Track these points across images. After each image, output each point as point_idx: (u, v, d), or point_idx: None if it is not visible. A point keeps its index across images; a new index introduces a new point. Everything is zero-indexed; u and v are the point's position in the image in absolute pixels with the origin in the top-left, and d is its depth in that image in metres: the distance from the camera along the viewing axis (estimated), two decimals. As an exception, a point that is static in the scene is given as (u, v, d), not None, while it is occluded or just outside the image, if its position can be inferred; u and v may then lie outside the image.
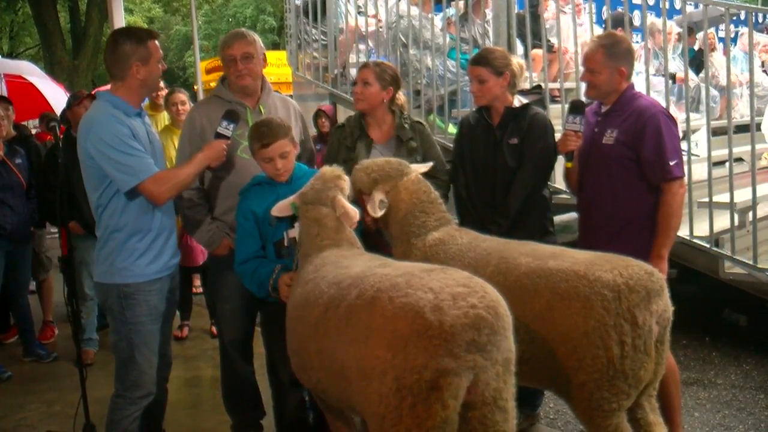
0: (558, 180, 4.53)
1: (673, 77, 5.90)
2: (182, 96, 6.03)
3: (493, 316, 2.22)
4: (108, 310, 3.26)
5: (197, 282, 6.73)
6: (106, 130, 3.03)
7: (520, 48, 5.77)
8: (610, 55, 3.49)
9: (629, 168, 3.49)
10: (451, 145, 4.40)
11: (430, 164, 3.54)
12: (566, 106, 5.08)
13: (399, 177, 3.32)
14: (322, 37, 7.01)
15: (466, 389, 2.20)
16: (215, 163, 3.33)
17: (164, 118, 6.77)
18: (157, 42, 3.21)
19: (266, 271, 3.26)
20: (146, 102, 6.56)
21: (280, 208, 3.19)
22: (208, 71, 18.98)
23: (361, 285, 2.45)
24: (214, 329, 5.89)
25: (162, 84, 6.37)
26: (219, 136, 3.31)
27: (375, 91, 3.75)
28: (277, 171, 3.31)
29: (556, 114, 5.21)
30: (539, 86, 5.08)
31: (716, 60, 7.20)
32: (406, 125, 3.84)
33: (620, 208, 3.52)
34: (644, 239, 3.45)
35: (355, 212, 3.09)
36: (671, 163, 3.42)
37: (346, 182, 3.17)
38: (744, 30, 7.83)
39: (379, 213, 3.26)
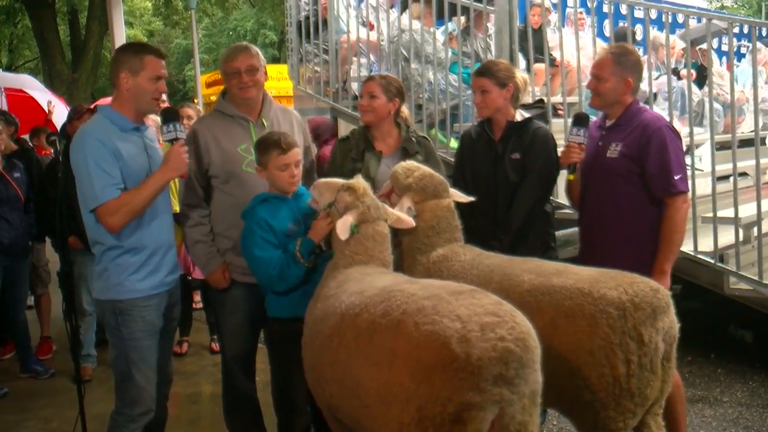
0: (560, 195, 4.51)
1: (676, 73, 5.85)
2: (189, 111, 6.03)
3: (522, 349, 2.12)
4: (106, 325, 3.23)
5: (197, 298, 6.69)
6: (88, 147, 3.00)
7: (522, 62, 5.77)
8: (618, 63, 3.48)
9: (633, 182, 3.47)
10: (452, 160, 4.37)
11: (472, 198, 3.46)
12: (569, 120, 5.07)
13: (432, 196, 3.28)
14: (323, 53, 7.00)
15: (491, 422, 2.12)
16: (183, 170, 3.17)
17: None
18: (157, 59, 3.12)
19: (291, 248, 3.20)
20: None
21: (342, 229, 2.97)
22: (209, 84, 19.07)
23: (387, 302, 2.36)
24: (213, 345, 5.87)
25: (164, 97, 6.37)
26: (171, 142, 3.15)
27: (382, 104, 3.75)
28: (293, 179, 3.29)
29: (559, 128, 5.19)
30: (542, 100, 5.06)
31: (717, 74, 7.18)
32: (413, 138, 3.83)
33: (623, 223, 3.49)
34: (647, 254, 3.42)
35: (408, 218, 3.14)
36: (676, 178, 3.41)
37: None
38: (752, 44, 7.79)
39: (407, 217, 3.19)
